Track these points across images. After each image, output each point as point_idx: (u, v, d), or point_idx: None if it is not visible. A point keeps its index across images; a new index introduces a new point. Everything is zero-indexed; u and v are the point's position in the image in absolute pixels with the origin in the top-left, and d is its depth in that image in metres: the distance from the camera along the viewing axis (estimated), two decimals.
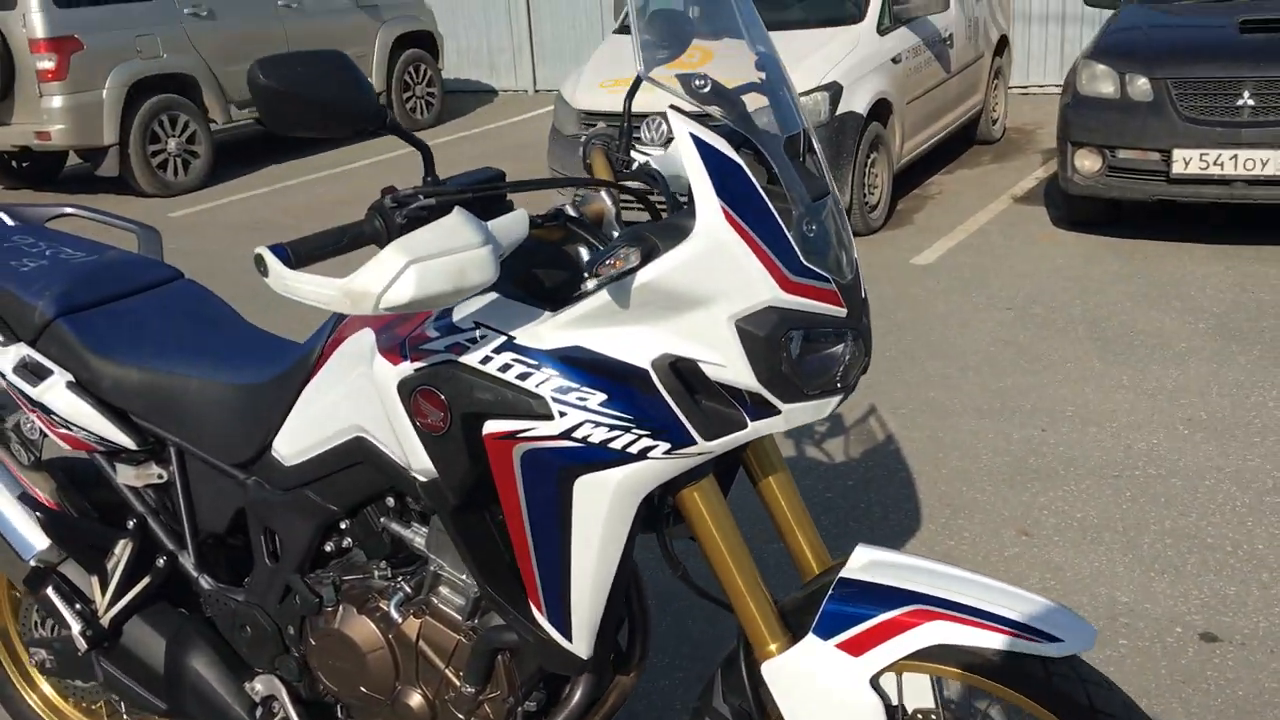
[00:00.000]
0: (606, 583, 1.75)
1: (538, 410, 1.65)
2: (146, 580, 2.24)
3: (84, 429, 2.21)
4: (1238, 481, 3.85)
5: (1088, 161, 6.37)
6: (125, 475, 2.25)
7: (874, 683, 1.65)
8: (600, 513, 1.67)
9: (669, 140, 1.58)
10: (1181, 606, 3.19)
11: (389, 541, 2.04)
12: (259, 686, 2.21)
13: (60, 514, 2.27)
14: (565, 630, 1.79)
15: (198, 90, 9.89)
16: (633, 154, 2.03)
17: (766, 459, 1.92)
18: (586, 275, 1.72)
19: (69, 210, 2.60)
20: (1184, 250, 6.40)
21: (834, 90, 6.69)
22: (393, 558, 2.06)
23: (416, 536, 2.00)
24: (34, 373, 2.22)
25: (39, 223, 2.59)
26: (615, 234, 1.79)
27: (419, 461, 1.79)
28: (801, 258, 1.59)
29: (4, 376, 2.25)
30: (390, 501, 2.02)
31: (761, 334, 1.57)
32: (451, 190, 1.61)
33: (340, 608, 2.04)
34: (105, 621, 2.24)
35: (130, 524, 2.24)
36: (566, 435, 1.64)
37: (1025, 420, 4.41)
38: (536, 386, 1.65)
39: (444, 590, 1.99)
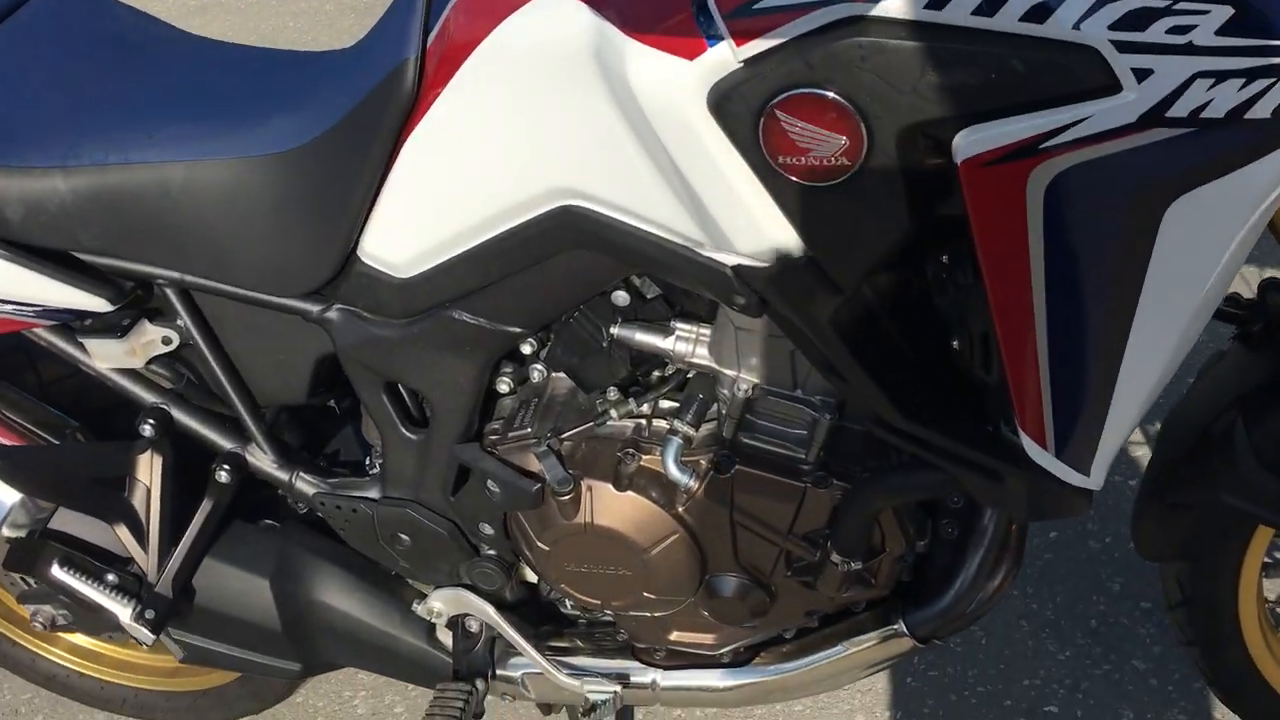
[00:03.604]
0: (1173, 369, 0.94)
1: (1085, 81, 0.76)
2: (208, 506, 1.35)
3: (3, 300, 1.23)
4: None
5: None
6: (106, 354, 1.30)
7: None
8: (1219, 251, 0.83)
9: None
10: None
11: (623, 361, 1.17)
12: (438, 605, 1.40)
13: (21, 447, 1.33)
14: (1079, 457, 0.98)
15: None
16: None
17: None
18: None
19: None
20: None
21: None
22: (630, 387, 1.21)
23: (692, 345, 1.14)
24: None
25: None
26: None
27: (751, 238, 0.91)
28: None
29: None
30: (622, 298, 1.13)
31: None
32: None
33: (583, 487, 1.19)
34: (165, 587, 1.36)
35: (147, 427, 1.32)
36: (1154, 119, 0.76)
37: None
38: (1073, 31, 0.75)
39: (760, 420, 1.15)
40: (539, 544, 1.25)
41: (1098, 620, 1.82)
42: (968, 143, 0.79)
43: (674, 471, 1.16)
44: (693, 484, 1.16)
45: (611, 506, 1.19)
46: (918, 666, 1.78)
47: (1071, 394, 0.92)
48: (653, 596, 1.26)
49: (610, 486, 1.19)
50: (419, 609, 1.41)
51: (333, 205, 1.14)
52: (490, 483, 1.23)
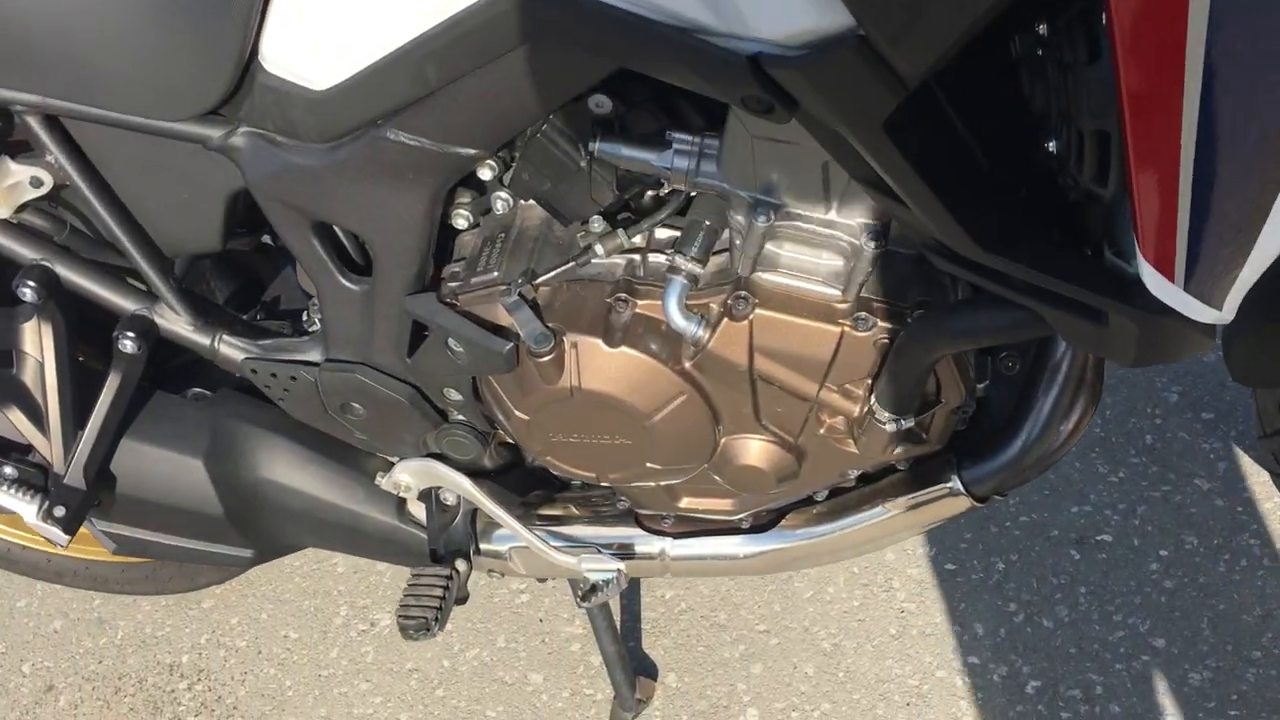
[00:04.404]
0: None
1: None
2: (116, 379, 1.12)
3: None
4: None
5: None
6: None
7: None
8: None
9: None
10: None
11: (608, 183, 0.93)
12: (405, 478, 1.19)
13: None
14: (1212, 288, 0.75)
15: None
16: None
17: None
18: None
19: None
20: None
21: None
22: (618, 214, 0.97)
23: (695, 160, 0.89)
24: None
25: None
26: None
27: (777, 16, 0.66)
28: None
29: None
30: (602, 103, 0.88)
31: None
32: None
33: (566, 344, 0.96)
34: (76, 478, 1.14)
35: (27, 290, 1.07)
36: None
37: None
38: None
39: (785, 252, 0.92)
40: (517, 413, 1.03)
41: (1154, 435, 1.63)
42: None
43: (678, 319, 0.93)
44: (702, 333, 0.94)
45: (603, 366, 0.97)
46: None
47: (1217, 210, 0.68)
48: (658, 466, 1.05)
49: (600, 342, 0.95)
50: (383, 483, 1.20)
51: (221, 4, 0.87)
52: (452, 341, 1.00)
